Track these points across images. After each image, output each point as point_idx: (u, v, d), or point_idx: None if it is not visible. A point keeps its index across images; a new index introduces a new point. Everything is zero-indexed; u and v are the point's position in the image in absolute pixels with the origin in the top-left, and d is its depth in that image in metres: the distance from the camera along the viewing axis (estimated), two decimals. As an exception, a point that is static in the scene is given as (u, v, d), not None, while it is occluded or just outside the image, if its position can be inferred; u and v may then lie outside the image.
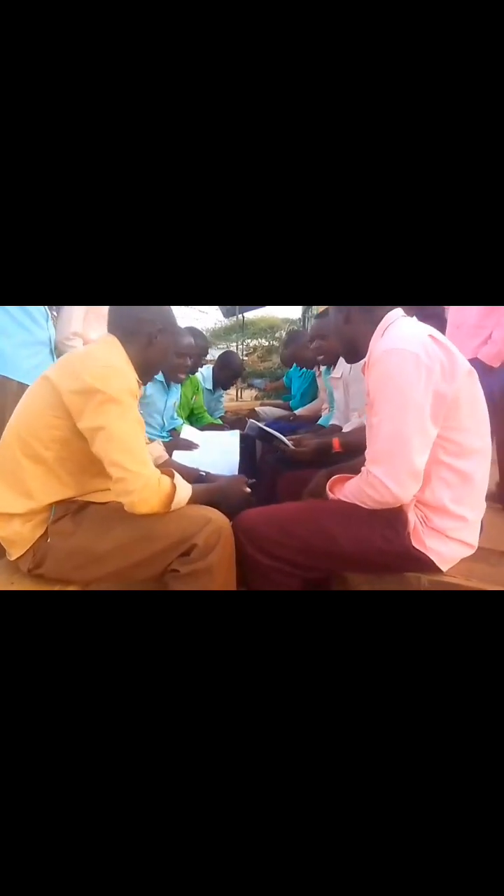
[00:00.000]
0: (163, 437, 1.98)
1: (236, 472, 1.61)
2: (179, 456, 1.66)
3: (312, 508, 1.09)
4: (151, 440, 1.39)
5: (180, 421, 2.15)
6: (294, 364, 2.96)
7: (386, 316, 1.01)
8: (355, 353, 1.10)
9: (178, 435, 1.96)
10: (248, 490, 1.15)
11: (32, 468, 0.98)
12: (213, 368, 2.59)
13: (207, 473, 1.33)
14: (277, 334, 8.26)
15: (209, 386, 2.62)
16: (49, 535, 1.00)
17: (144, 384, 1.15)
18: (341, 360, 1.72)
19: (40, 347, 1.58)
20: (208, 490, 1.12)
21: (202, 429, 2.18)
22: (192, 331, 2.06)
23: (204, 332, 2.51)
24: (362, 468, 0.98)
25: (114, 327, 1.05)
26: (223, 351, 2.77)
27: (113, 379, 0.92)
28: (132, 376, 0.99)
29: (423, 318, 1.03)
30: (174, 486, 0.99)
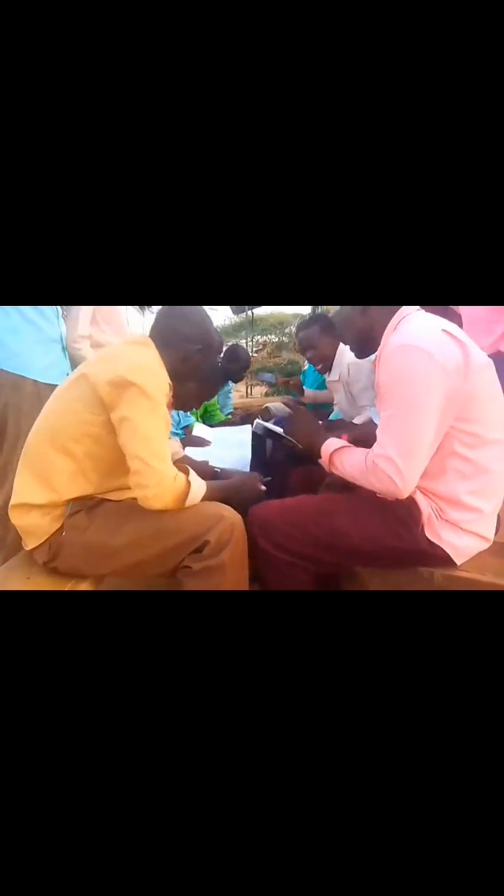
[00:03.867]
0: (177, 433, 1.99)
1: (248, 467, 1.62)
2: (192, 452, 1.67)
3: (327, 504, 1.09)
4: (171, 437, 1.40)
5: (193, 418, 2.16)
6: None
7: (401, 309, 1.00)
8: (369, 344, 1.08)
9: (191, 432, 1.97)
10: (263, 487, 1.16)
11: (61, 461, 0.99)
12: (221, 362, 2.58)
13: (223, 470, 1.33)
14: (287, 330, 8.20)
15: None
16: (64, 529, 1.02)
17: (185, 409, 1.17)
18: (336, 363, 1.72)
19: (53, 345, 1.58)
20: (222, 487, 1.12)
21: (213, 426, 2.18)
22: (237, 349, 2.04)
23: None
24: (368, 455, 0.97)
25: (154, 333, 1.07)
26: (230, 345, 2.75)
27: (147, 375, 0.94)
28: (166, 378, 1.01)
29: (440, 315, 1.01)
30: (189, 484, 1.00)
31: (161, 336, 1.06)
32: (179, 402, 1.12)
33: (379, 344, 1.03)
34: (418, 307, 1.01)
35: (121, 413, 0.94)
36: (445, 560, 0.99)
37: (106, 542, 0.99)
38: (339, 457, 1.06)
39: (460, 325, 1.24)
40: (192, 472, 1.04)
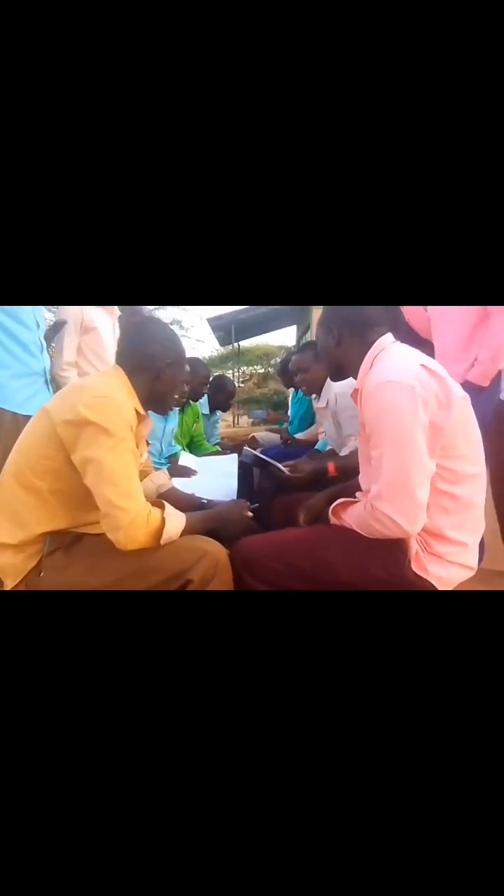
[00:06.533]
0: (162, 463, 1.99)
1: (234, 497, 1.59)
2: (177, 482, 1.66)
3: (312, 537, 1.07)
4: (158, 468, 1.39)
5: (178, 448, 2.16)
6: (292, 388, 3.02)
7: (376, 342, 1.00)
8: (346, 374, 1.10)
9: (177, 462, 1.97)
10: (250, 514, 1.12)
11: (26, 498, 0.97)
12: (208, 393, 2.64)
13: (209, 501, 1.30)
14: (273, 361, 8.36)
15: (206, 411, 2.65)
16: (42, 569, 0.99)
17: (163, 413, 1.18)
18: (325, 390, 1.75)
19: (35, 378, 1.58)
20: (206, 517, 1.08)
21: (200, 456, 2.18)
22: (192, 360, 2.11)
23: (201, 360, 2.59)
24: (366, 502, 0.96)
25: (122, 360, 1.05)
26: (215, 375, 2.82)
27: (107, 410, 0.92)
28: (129, 407, 0.98)
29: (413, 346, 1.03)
30: (164, 521, 0.97)
31: (129, 360, 1.04)
32: (153, 405, 1.10)
33: (353, 374, 1.04)
34: (392, 339, 1.01)
35: (81, 454, 0.91)
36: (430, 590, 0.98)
37: (83, 583, 0.96)
38: (341, 512, 1.06)
39: (432, 355, 1.25)
40: (169, 507, 1.01)
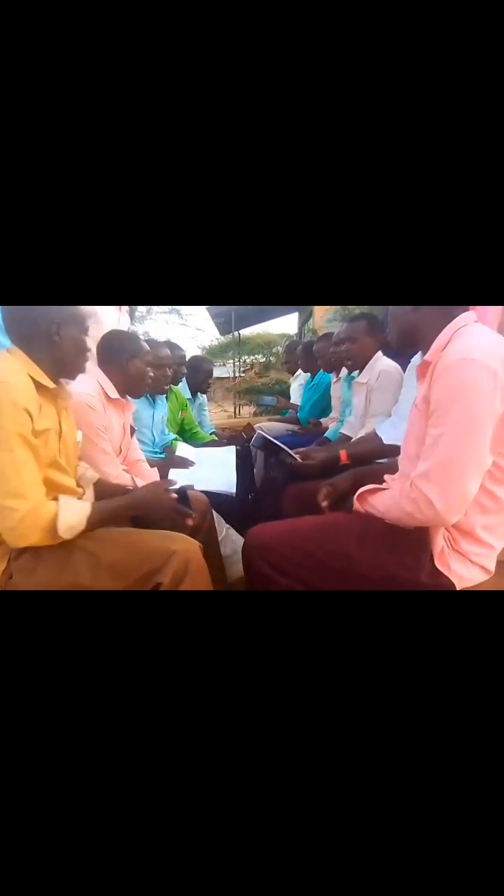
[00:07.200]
0: (156, 452, 1.89)
1: (234, 488, 1.53)
2: (175, 474, 1.56)
3: (330, 526, 1.03)
4: (154, 458, 1.28)
5: (172, 436, 2.06)
6: (305, 373, 2.90)
7: (459, 317, 0.93)
8: (413, 343, 1.01)
9: (173, 452, 1.87)
10: (174, 496, 1.03)
11: None
12: (185, 377, 2.52)
13: (133, 488, 1.20)
14: (274, 349, 8.26)
15: (188, 395, 2.54)
16: (12, 573, 0.94)
17: (136, 396, 1.14)
18: (370, 365, 1.70)
19: None
20: (121, 503, 1.02)
21: (198, 446, 2.08)
22: (168, 343, 2.00)
23: (200, 350, 2.47)
24: (404, 482, 0.90)
25: (12, 337, 0.95)
26: (191, 356, 2.67)
27: None
28: (21, 389, 0.88)
29: None
30: (56, 514, 0.90)
31: (17, 334, 0.94)
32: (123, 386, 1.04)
33: (421, 345, 0.98)
34: (475, 318, 0.94)
35: None
36: (444, 588, 0.94)
37: (54, 586, 0.93)
38: (368, 498, 1.02)
39: None
40: (63, 499, 0.93)
